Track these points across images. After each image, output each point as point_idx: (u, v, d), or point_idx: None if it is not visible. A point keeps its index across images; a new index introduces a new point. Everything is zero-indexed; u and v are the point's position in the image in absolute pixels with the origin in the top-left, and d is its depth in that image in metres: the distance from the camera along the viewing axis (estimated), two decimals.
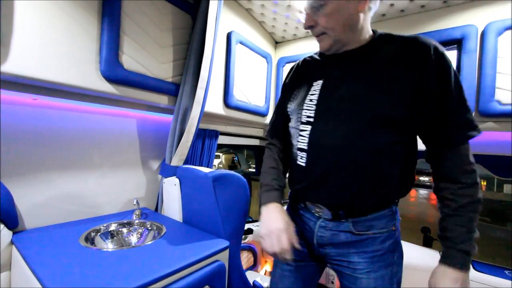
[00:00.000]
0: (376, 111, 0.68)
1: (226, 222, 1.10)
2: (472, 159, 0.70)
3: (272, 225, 0.74)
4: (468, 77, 1.40)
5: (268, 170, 0.89)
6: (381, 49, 0.73)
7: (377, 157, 0.69)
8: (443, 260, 0.70)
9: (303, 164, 0.77)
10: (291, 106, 0.85)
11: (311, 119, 0.75)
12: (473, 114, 0.70)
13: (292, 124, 0.83)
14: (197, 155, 1.57)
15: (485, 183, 12.53)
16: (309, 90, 0.79)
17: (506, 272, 1.46)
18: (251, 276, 1.81)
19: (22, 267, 0.80)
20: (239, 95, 1.71)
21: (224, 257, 1.00)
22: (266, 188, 0.84)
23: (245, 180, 1.17)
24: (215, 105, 1.56)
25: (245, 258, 2.18)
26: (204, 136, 1.61)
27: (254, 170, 2.83)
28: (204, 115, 1.44)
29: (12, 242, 0.92)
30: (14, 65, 0.81)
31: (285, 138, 0.90)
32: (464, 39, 1.42)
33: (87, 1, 0.99)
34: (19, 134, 0.99)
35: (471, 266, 0.69)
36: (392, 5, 1.58)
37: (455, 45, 1.47)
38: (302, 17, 1.83)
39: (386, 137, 0.69)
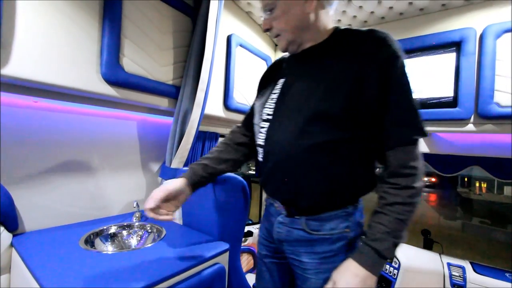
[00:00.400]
0: (315, 108, 0.67)
1: (226, 225, 1.10)
2: (413, 163, 0.64)
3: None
4: (467, 79, 1.41)
5: (208, 153, 0.97)
6: (334, 46, 0.73)
7: (316, 154, 0.68)
8: (352, 254, 0.66)
9: (261, 160, 0.80)
10: (256, 104, 0.87)
11: (270, 117, 0.78)
12: (418, 115, 0.65)
13: (255, 121, 0.85)
14: (197, 157, 1.57)
15: (485, 185, 12.52)
16: (273, 88, 0.82)
17: (507, 274, 1.46)
18: (251, 279, 1.81)
19: (21, 270, 0.80)
20: (239, 97, 1.72)
21: (224, 260, 1.00)
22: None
23: (245, 182, 1.17)
24: (215, 107, 1.57)
25: (245, 261, 2.17)
26: (204, 139, 1.62)
27: (254, 172, 2.83)
28: (204, 118, 1.45)
29: (12, 245, 0.92)
30: (15, 68, 0.82)
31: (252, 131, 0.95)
32: (463, 41, 1.43)
33: (89, 4, 1.00)
34: (20, 136, 1.00)
35: (380, 271, 0.64)
36: (391, 8, 1.59)
37: (454, 48, 1.48)
38: None
39: (327, 134, 0.67)
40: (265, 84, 0.89)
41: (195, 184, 0.90)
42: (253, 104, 0.94)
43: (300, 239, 0.75)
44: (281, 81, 0.80)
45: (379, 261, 0.62)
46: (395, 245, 0.63)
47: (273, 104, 0.78)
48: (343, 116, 0.66)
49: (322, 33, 0.75)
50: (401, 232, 0.63)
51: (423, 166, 0.66)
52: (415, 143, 0.65)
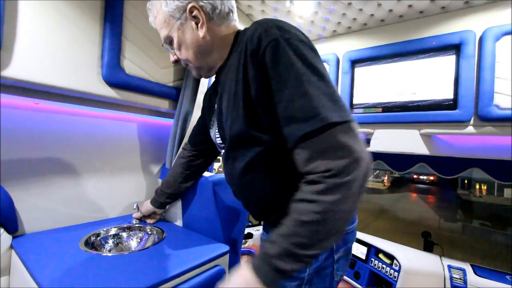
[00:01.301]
0: (230, 132, 0.66)
1: (226, 227, 1.09)
2: (316, 162, 0.49)
3: None
4: (467, 82, 1.42)
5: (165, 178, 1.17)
6: (231, 57, 0.71)
7: (250, 174, 0.67)
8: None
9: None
10: (212, 134, 0.88)
11: (223, 145, 0.79)
12: (313, 100, 0.49)
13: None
14: None
15: (485, 187, 12.52)
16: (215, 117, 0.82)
17: (507, 277, 1.45)
18: None
19: (21, 272, 0.80)
20: None
21: (224, 262, 1.00)
22: None
23: None
24: None
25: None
26: None
27: None
28: None
29: (11, 247, 0.91)
30: (17, 70, 0.82)
31: (201, 148, 1.07)
32: (462, 44, 1.43)
33: (90, 6, 1.00)
34: (20, 137, 1.00)
35: (270, 281, 0.49)
36: (391, 10, 1.60)
37: (454, 50, 1.48)
38: (302, 23, 1.85)
39: (249, 153, 0.64)
40: (211, 110, 0.88)
41: (159, 207, 1.17)
42: (204, 125, 0.99)
43: None
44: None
45: (266, 268, 0.49)
46: (291, 256, 0.48)
47: (218, 134, 0.79)
48: (251, 131, 0.62)
49: (226, 50, 0.74)
50: (304, 239, 0.47)
51: (345, 156, 0.47)
52: (310, 137, 0.49)
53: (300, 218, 0.48)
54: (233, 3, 0.74)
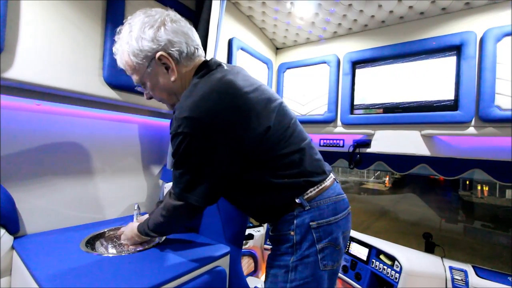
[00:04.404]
0: None
1: (227, 228, 1.09)
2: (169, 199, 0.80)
3: None
4: (468, 83, 1.42)
5: None
6: None
7: (234, 196, 0.87)
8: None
9: None
10: None
11: None
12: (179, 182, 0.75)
13: None
14: None
15: (487, 189, 12.48)
16: None
17: (509, 278, 1.45)
18: (251, 282, 1.80)
19: (22, 272, 0.80)
20: None
21: (225, 263, 1.00)
22: None
23: None
24: None
25: (246, 264, 2.17)
26: None
27: None
28: None
29: (13, 247, 0.92)
30: (19, 72, 0.83)
31: None
32: (463, 45, 1.43)
33: (91, 9, 1.01)
34: (22, 138, 1.00)
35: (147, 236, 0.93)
36: (391, 11, 1.60)
37: (454, 51, 1.48)
38: (302, 24, 1.85)
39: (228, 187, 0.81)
40: None
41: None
42: None
43: (270, 239, 0.88)
44: None
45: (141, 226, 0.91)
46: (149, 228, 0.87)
47: None
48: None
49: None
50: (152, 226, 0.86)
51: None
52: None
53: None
54: (198, 40, 0.82)
